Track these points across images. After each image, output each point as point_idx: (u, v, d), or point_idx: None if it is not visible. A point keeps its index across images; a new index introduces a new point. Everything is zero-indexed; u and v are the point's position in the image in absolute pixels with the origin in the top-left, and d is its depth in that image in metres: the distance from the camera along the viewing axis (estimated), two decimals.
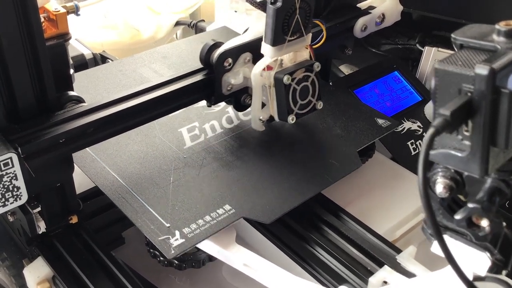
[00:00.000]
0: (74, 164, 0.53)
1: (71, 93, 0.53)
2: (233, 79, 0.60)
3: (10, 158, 0.43)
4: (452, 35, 0.36)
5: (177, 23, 1.09)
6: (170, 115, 0.64)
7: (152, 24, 1.06)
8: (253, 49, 0.59)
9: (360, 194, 0.66)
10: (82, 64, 0.82)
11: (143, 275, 0.58)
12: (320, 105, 0.62)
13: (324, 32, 0.63)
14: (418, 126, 0.79)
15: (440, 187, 0.36)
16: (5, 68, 0.46)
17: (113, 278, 0.51)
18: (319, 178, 0.59)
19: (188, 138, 0.62)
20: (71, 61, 0.54)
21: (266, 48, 0.57)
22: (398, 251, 0.54)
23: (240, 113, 0.66)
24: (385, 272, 0.51)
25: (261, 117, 0.62)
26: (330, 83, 0.76)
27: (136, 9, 1.09)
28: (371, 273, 0.52)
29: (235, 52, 0.59)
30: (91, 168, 0.57)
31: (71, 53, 0.77)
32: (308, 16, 0.57)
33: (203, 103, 0.65)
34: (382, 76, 0.84)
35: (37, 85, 0.48)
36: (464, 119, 0.32)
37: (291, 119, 0.59)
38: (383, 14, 0.72)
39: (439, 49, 0.88)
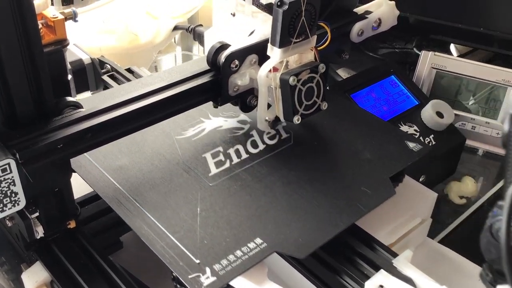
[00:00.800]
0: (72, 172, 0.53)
1: (69, 98, 0.53)
2: (239, 81, 0.60)
3: (8, 164, 0.44)
4: None
5: (176, 28, 1.10)
6: (193, 138, 0.62)
7: (150, 28, 1.07)
8: (259, 51, 0.60)
9: None
10: (80, 69, 0.81)
11: (141, 280, 0.58)
12: (324, 105, 0.62)
13: (329, 34, 0.63)
14: (415, 130, 0.79)
15: None
16: (3, 74, 0.46)
17: (111, 282, 0.51)
18: (352, 208, 0.56)
19: (213, 165, 0.59)
20: (69, 67, 0.55)
21: (272, 50, 0.57)
22: (394, 255, 0.54)
23: (265, 137, 0.64)
24: (381, 276, 0.51)
25: (267, 118, 0.62)
26: (327, 87, 0.77)
27: (135, 14, 1.09)
28: (367, 277, 0.52)
29: (242, 54, 0.59)
30: (113, 198, 0.54)
31: (69, 58, 0.78)
32: (313, 18, 0.58)
33: (227, 125, 0.64)
34: (379, 80, 0.84)
35: (35, 91, 0.48)
36: None
37: (297, 119, 0.59)
38: (379, 19, 0.72)
39: (436, 53, 0.89)
